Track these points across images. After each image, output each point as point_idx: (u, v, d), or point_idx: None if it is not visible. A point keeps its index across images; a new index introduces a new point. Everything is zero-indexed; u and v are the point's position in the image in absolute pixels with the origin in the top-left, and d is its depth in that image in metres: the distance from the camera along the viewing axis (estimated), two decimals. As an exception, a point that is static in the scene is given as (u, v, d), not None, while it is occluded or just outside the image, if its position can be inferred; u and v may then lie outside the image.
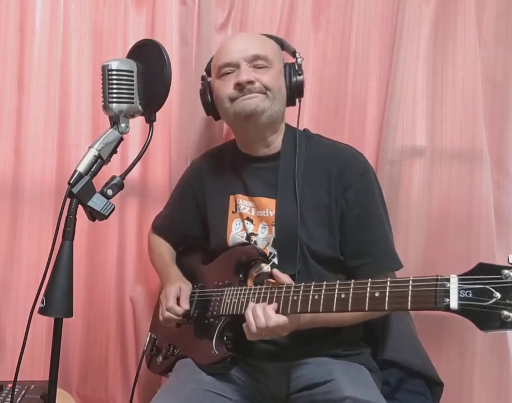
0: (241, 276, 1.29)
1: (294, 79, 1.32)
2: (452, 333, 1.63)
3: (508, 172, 1.63)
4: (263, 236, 1.31)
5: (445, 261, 1.64)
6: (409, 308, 0.87)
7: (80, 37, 1.72)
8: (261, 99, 1.26)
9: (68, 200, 0.95)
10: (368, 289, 0.93)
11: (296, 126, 1.35)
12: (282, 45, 1.40)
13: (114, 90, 0.99)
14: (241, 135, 1.38)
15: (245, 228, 1.34)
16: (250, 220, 1.34)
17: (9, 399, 1.34)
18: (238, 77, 1.25)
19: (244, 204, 1.35)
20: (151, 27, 1.71)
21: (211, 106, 1.39)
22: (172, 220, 1.55)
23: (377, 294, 0.92)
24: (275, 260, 1.29)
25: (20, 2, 1.70)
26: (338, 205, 1.26)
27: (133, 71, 1.00)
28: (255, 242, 1.32)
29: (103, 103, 1.00)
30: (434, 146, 1.65)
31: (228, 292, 1.26)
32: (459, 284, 0.80)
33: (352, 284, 0.97)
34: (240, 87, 1.26)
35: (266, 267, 1.29)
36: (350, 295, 0.96)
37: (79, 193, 0.94)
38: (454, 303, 0.80)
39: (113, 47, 1.72)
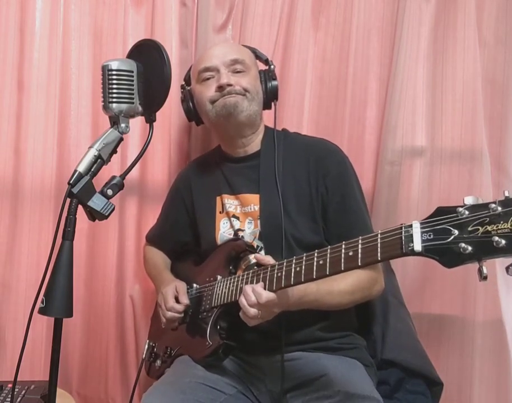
0: (231, 268, 1.32)
1: (270, 84, 1.41)
2: (451, 333, 1.63)
3: (508, 172, 1.63)
4: (250, 231, 1.35)
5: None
6: (379, 258, 0.91)
7: (80, 37, 1.73)
8: (241, 99, 1.33)
9: (68, 200, 0.95)
10: (343, 250, 0.98)
11: (281, 129, 1.45)
12: (255, 53, 1.46)
13: (114, 90, 0.99)
14: (222, 135, 1.44)
15: (232, 226, 1.38)
16: (236, 218, 1.38)
17: (9, 399, 1.34)
18: (220, 80, 1.33)
19: (230, 202, 1.40)
20: (151, 28, 1.71)
21: (193, 112, 1.45)
22: (164, 228, 1.59)
23: (351, 253, 0.96)
24: (262, 252, 1.32)
25: (20, 2, 1.71)
26: (318, 193, 1.32)
27: (133, 71, 1.00)
28: (242, 237, 1.36)
29: (103, 103, 1.00)
30: (434, 146, 1.64)
31: (219, 284, 1.29)
32: (421, 228, 0.84)
33: (328, 249, 1.01)
34: (220, 89, 1.33)
35: (253, 258, 1.30)
36: (328, 259, 1.00)
37: (79, 193, 0.94)
38: (417, 245, 0.84)
39: (113, 47, 1.73)
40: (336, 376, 1.19)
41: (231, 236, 1.38)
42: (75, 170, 0.95)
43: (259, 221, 1.34)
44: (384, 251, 0.90)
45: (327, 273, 1.00)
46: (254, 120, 1.37)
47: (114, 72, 0.99)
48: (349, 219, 1.30)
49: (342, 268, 0.97)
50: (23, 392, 1.41)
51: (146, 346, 1.52)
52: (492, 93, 1.63)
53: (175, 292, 1.37)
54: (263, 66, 1.46)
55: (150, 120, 1.05)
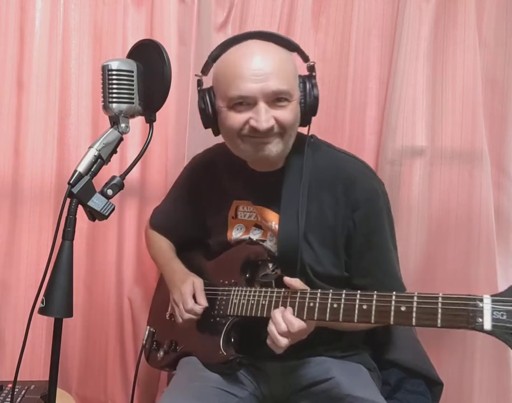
0: (247, 275, 1.25)
1: (310, 98, 1.18)
2: (452, 334, 1.63)
3: (508, 172, 1.63)
4: (271, 244, 1.27)
5: (445, 261, 1.64)
6: (439, 325, 0.86)
7: (80, 37, 1.72)
8: (275, 144, 1.15)
9: (68, 200, 0.94)
10: (393, 302, 0.92)
11: (310, 135, 1.28)
12: (296, 49, 1.21)
13: (114, 90, 0.98)
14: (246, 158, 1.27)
15: (247, 234, 1.30)
16: (258, 227, 1.30)
17: (9, 399, 1.34)
18: (257, 122, 1.11)
19: (250, 210, 1.31)
20: (150, 25, 1.71)
21: (212, 120, 1.21)
22: (172, 220, 1.49)
23: (403, 308, 0.91)
24: (278, 271, 1.26)
25: (20, 2, 1.70)
26: (344, 226, 1.21)
27: (133, 71, 1.00)
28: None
29: (103, 103, 1.00)
30: (434, 146, 1.65)
31: (236, 292, 1.23)
32: (492, 304, 0.80)
33: (374, 296, 0.96)
34: (256, 131, 1.12)
35: (273, 269, 1.25)
36: (373, 307, 0.95)
37: (79, 193, 0.94)
38: (487, 324, 0.80)
39: (113, 46, 1.72)
40: (342, 380, 1.18)
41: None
42: (75, 171, 0.95)
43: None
44: (446, 318, 0.85)
45: (372, 321, 0.95)
46: (284, 153, 1.21)
47: (114, 72, 0.98)
48: (374, 257, 1.23)
49: (391, 322, 0.92)
50: (23, 392, 1.41)
51: (147, 333, 1.47)
52: (492, 93, 1.63)
53: (192, 290, 1.28)
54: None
55: (150, 120, 1.05)
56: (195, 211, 1.42)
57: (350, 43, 1.66)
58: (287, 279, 1.10)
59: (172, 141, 1.73)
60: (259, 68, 1.11)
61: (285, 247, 1.22)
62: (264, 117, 1.10)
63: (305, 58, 1.21)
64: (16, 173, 1.74)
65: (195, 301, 1.27)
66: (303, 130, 1.26)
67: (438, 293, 0.87)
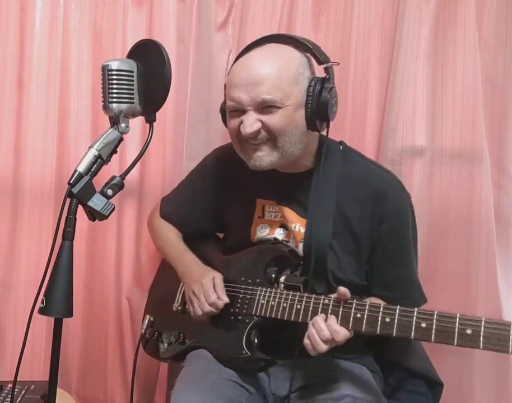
0: (273, 276, 1.24)
1: (316, 103, 1.15)
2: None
3: (508, 172, 1.63)
4: (293, 245, 1.27)
5: (445, 261, 1.64)
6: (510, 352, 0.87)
7: (80, 37, 1.72)
8: (267, 153, 1.17)
9: (68, 200, 0.95)
10: (457, 324, 0.92)
11: (334, 139, 1.31)
12: (309, 51, 1.21)
13: (114, 90, 0.99)
14: None
15: (272, 234, 1.30)
16: (284, 227, 1.29)
17: (9, 399, 1.34)
18: (242, 127, 1.15)
19: (275, 210, 1.31)
20: (149, 25, 1.70)
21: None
22: (188, 210, 1.45)
23: (468, 331, 0.91)
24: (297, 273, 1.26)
25: (20, 2, 1.70)
26: (369, 237, 1.23)
27: (133, 71, 1.00)
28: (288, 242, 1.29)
29: (103, 103, 1.00)
30: (434, 146, 1.64)
31: (262, 293, 1.22)
32: None
33: (435, 315, 0.96)
34: (242, 137, 1.16)
35: (291, 271, 1.25)
36: (434, 326, 0.96)
37: (79, 193, 0.94)
38: None
39: (113, 46, 1.72)
40: (344, 379, 1.18)
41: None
42: (75, 170, 0.95)
43: (300, 245, 1.25)
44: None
45: (432, 341, 0.95)
46: (290, 160, 1.20)
47: (114, 72, 0.98)
48: (398, 270, 1.26)
49: (455, 344, 0.92)
50: (23, 392, 1.40)
51: (146, 321, 1.43)
52: (492, 93, 1.63)
53: (213, 285, 1.27)
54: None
55: (150, 120, 1.05)
56: (216, 204, 1.40)
57: (351, 43, 1.66)
58: (341, 289, 1.08)
59: (170, 141, 1.72)
60: (252, 75, 1.14)
61: (310, 252, 1.22)
62: (248, 122, 1.14)
63: (319, 61, 1.21)
64: (16, 173, 1.74)
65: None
66: (334, 136, 1.30)
67: (510, 321, 0.88)
